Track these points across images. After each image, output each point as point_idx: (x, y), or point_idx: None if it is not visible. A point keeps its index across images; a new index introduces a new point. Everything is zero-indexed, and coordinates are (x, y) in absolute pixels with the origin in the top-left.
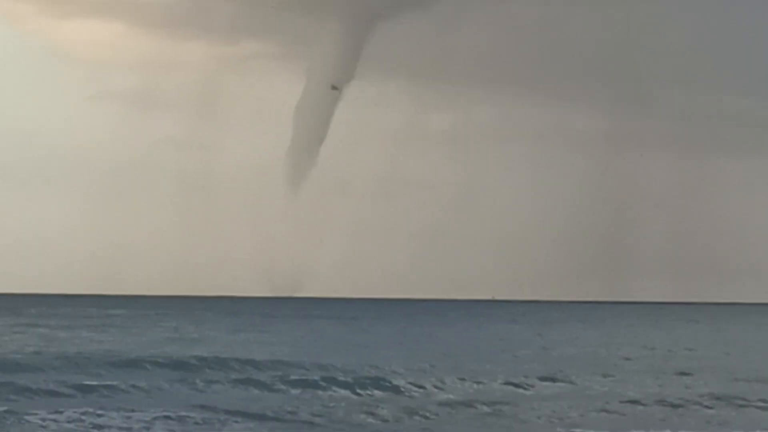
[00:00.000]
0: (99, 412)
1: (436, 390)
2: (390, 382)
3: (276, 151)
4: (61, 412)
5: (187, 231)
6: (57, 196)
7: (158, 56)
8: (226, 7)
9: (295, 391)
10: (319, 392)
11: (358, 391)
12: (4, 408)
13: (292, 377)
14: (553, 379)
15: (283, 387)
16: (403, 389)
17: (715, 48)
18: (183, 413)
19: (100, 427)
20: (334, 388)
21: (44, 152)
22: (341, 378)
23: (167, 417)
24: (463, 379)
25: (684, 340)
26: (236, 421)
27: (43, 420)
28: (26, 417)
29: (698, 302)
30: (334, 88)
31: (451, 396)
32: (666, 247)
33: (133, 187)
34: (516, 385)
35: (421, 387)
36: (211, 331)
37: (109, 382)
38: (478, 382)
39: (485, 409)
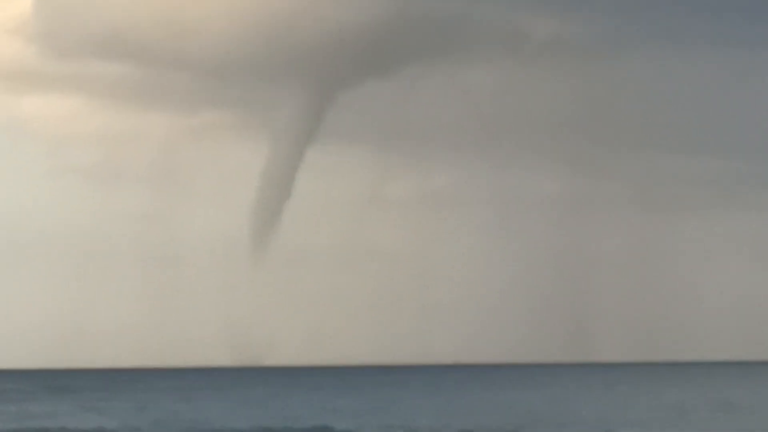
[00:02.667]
0: None
1: None
2: None
3: (238, 219)
4: None
5: (149, 302)
6: (17, 270)
7: (118, 129)
8: (184, 77)
9: None
10: None
11: None
12: None
13: None
14: None
15: None
16: None
17: (667, 112)
18: None
19: None
20: None
21: (4, 227)
22: None
23: None
24: None
25: None
26: None
27: None
28: None
29: (659, 361)
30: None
31: None
32: (625, 304)
33: (95, 260)
34: None
35: None
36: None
37: None
38: None
39: None
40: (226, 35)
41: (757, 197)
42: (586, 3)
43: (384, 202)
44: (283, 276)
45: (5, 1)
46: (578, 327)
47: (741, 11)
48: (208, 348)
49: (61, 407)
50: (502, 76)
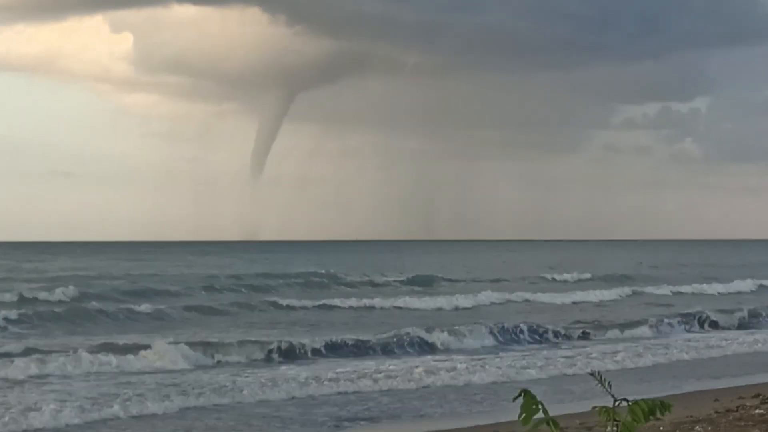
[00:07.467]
0: None
1: None
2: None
3: (244, 159)
4: None
5: (197, 202)
6: (121, 187)
7: (178, 112)
8: (215, 84)
9: None
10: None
11: None
12: None
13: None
14: None
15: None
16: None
17: (478, 106)
18: None
19: None
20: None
21: (115, 165)
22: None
23: None
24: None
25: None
26: None
27: None
28: None
29: (470, 239)
30: None
31: None
32: (452, 205)
33: (167, 180)
34: None
35: None
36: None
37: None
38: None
39: None
40: (241, 61)
41: (521, 153)
42: (437, 45)
43: (322, 152)
44: (268, 189)
45: (117, 42)
46: (426, 218)
47: (529, 49)
48: (226, 228)
49: (166, 260)
50: (389, 85)
